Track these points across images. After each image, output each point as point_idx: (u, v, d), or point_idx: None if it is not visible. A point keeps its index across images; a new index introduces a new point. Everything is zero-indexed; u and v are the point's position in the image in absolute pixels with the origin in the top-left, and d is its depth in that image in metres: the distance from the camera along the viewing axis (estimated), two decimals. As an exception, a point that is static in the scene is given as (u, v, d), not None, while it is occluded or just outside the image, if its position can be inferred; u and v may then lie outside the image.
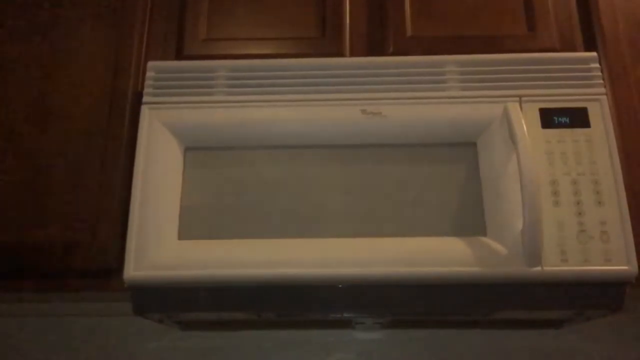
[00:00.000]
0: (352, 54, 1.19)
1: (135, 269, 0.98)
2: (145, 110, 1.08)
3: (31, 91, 1.14)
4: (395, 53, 1.17)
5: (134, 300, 1.01)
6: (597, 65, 1.09)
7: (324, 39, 1.20)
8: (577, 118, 1.04)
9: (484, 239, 0.99)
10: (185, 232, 1.01)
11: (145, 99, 1.09)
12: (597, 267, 0.96)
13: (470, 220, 1.01)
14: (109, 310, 1.36)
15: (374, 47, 1.20)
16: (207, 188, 1.04)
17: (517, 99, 1.06)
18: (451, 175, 1.04)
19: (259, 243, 1.00)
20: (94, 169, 1.08)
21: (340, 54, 1.18)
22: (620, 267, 0.95)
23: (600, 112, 1.05)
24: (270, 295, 1.00)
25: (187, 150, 1.06)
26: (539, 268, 0.96)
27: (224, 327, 1.37)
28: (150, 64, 1.13)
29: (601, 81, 1.07)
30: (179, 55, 1.20)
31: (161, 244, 1.00)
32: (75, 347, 1.40)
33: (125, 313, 1.25)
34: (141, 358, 1.39)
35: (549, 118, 1.05)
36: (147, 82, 1.10)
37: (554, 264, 0.96)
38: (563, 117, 1.05)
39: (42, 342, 1.41)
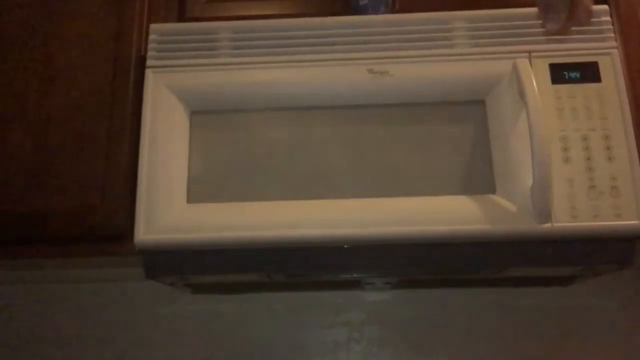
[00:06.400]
0: (357, 13, 1.17)
1: (145, 233, 0.99)
2: (149, 74, 1.07)
3: (33, 57, 1.12)
4: (402, 10, 1.14)
5: (145, 264, 1.02)
6: (608, 18, 1.06)
7: (329, -2, 1.18)
8: (588, 73, 1.02)
9: (493, 196, 0.99)
10: (194, 195, 1.01)
11: (148, 62, 1.08)
12: (607, 223, 0.95)
13: (479, 178, 1.00)
14: (121, 276, 1.37)
15: (380, 5, 1.18)
16: (214, 151, 1.04)
17: (527, 54, 1.04)
18: (460, 134, 1.03)
19: (267, 205, 1.00)
20: (101, 134, 1.07)
21: (345, 12, 1.16)
22: (631, 221, 0.95)
23: (612, 66, 1.03)
24: (279, 256, 1.01)
25: (193, 113, 1.06)
26: (548, 225, 0.95)
27: (235, 290, 1.38)
28: (153, 26, 1.11)
29: (612, 35, 1.05)
30: (182, 17, 1.18)
31: (170, 207, 1.00)
32: (88, 314, 1.43)
33: (137, 278, 1.27)
34: (154, 322, 1.41)
35: (559, 73, 1.03)
36: (150, 46, 1.09)
37: (564, 220, 0.96)
38: (573, 72, 1.03)
39: (55, 309, 1.43)
